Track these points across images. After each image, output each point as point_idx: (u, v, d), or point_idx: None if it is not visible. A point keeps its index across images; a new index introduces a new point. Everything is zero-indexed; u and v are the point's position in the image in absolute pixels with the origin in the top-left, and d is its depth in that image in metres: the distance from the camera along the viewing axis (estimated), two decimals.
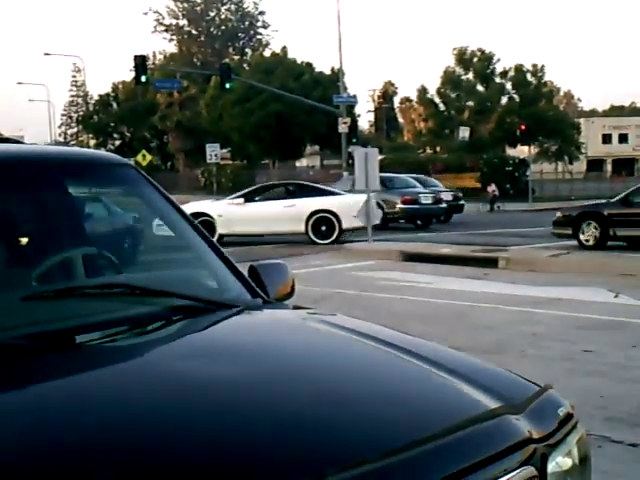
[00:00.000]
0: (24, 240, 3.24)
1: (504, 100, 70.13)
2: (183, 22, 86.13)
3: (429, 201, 28.07)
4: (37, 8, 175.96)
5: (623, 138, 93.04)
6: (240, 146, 67.39)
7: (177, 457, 1.96)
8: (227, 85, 40.44)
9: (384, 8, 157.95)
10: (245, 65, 74.68)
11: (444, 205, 29.48)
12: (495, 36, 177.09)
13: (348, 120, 48.42)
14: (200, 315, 2.90)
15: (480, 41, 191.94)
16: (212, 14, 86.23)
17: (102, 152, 3.65)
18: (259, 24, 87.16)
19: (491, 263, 16.06)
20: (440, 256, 17.05)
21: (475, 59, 69.88)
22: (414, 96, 77.02)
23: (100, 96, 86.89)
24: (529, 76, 70.29)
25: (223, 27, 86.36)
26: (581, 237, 19.62)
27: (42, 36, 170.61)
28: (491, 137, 65.51)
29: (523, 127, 50.79)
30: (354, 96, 52.81)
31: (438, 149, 69.96)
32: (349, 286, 13.52)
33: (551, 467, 2.46)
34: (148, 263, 3.49)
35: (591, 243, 19.27)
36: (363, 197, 20.49)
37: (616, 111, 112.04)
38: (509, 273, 15.15)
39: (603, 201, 21.36)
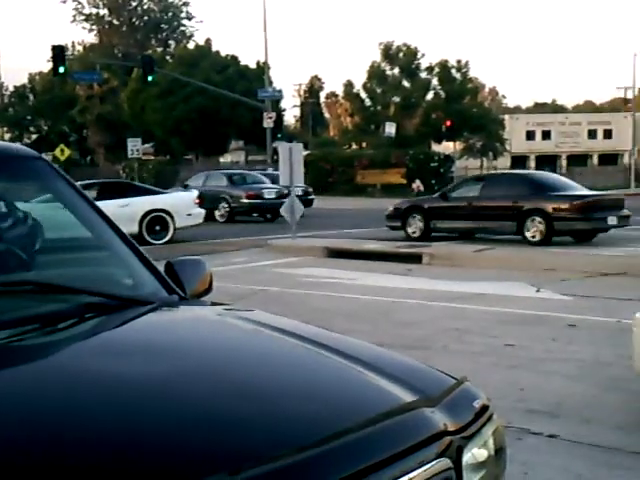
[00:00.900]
0: None
1: (430, 96, 70.94)
2: (104, 12, 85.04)
3: (272, 196, 29.77)
4: None
5: (546, 135, 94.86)
6: (163, 141, 66.86)
7: (90, 455, 1.95)
8: (149, 78, 40.10)
9: (312, 1, 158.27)
10: (168, 57, 74.08)
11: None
12: (421, 31, 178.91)
13: (273, 115, 48.41)
14: (114, 312, 2.87)
15: (406, 36, 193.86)
16: (134, 4, 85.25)
17: (10, 144, 3.56)
18: (183, 15, 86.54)
19: (415, 259, 16.24)
20: (364, 252, 17.17)
21: (401, 54, 70.51)
22: (340, 91, 77.45)
23: (16, 87, 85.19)
24: (454, 72, 71.22)
25: (146, 17, 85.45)
26: (408, 230, 21.15)
27: None
28: (417, 133, 66.19)
29: (448, 123, 51.51)
30: (280, 90, 52.87)
31: (364, 145, 70.39)
32: (272, 283, 13.53)
33: (466, 459, 2.51)
34: (60, 260, 3.43)
35: (417, 235, 20.69)
36: (194, 194, 22.32)
37: (539, 108, 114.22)
38: (433, 269, 15.36)
39: (427, 196, 23.71)
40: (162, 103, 62.04)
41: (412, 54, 70.43)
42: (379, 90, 70.30)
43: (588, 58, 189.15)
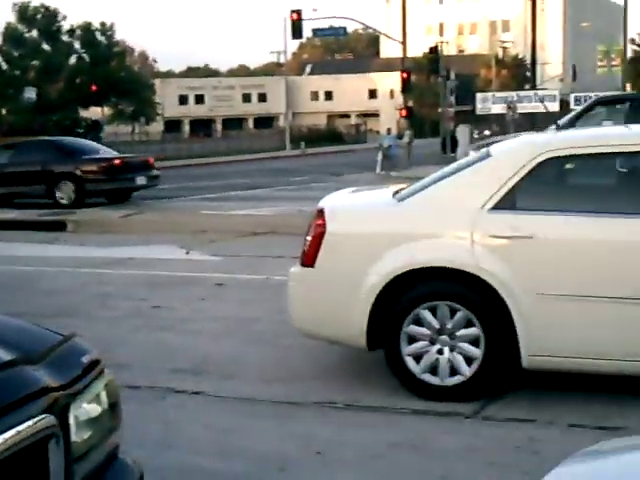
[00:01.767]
0: None
1: (73, 60, 69.02)
2: None
3: None
4: None
5: (200, 99, 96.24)
6: None
7: None
8: None
9: None
10: None
11: None
12: None
13: None
14: None
15: None
16: None
17: None
18: None
19: (60, 227, 15.75)
20: (5, 221, 16.36)
21: (39, 16, 67.87)
22: None
23: None
24: (98, 35, 69.88)
25: None
26: None
27: None
28: (62, 98, 64.14)
29: (94, 88, 50.39)
30: None
31: (4, 111, 67.03)
32: None
33: (76, 414, 2.48)
34: None
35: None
36: None
37: (193, 72, 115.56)
38: (79, 236, 14.96)
39: None
40: None
41: (52, 16, 68.00)
42: (16, 53, 67.11)
43: (241, 22, 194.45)
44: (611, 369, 5.44)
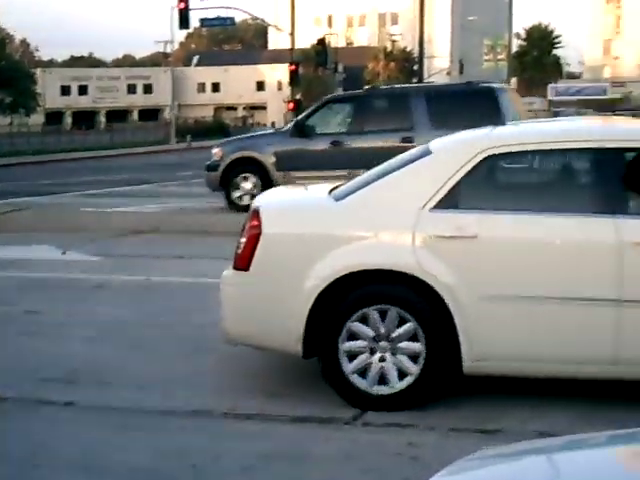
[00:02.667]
0: None
1: None
2: None
3: None
4: None
5: (83, 90, 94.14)
6: None
7: None
8: None
9: None
10: None
11: None
12: None
13: None
14: None
15: None
16: None
17: None
18: None
19: None
20: None
21: None
22: None
23: None
24: None
25: None
26: None
27: None
28: None
29: None
30: None
31: None
32: None
33: None
34: None
35: None
36: None
37: (77, 62, 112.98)
38: None
39: None
40: None
41: None
42: None
43: (128, 10, 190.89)
44: (556, 372, 5.43)
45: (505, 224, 5.41)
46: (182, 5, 41.75)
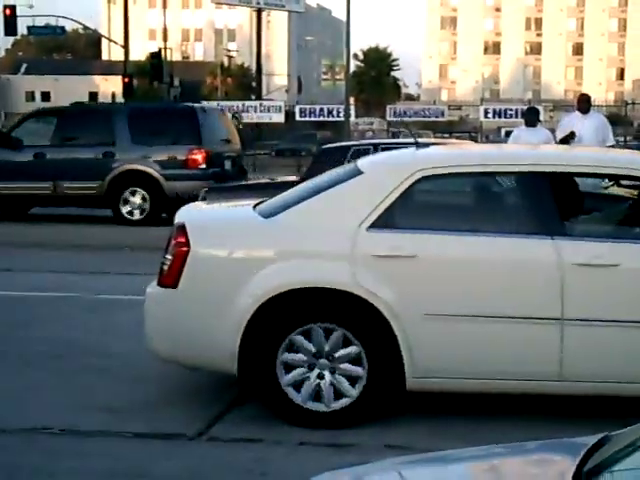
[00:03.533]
0: None
1: None
2: None
3: None
4: None
5: None
6: None
7: None
8: None
9: None
10: None
11: None
12: None
13: None
14: None
15: None
16: None
17: None
18: None
19: None
20: None
21: None
22: None
23: None
24: None
25: None
26: None
27: None
28: None
29: None
30: None
31: None
32: None
33: None
34: None
35: None
36: None
37: None
38: None
39: None
40: None
41: None
42: None
43: None
44: (500, 389, 5.42)
45: (443, 244, 5.42)
46: (8, 12, 40.26)
